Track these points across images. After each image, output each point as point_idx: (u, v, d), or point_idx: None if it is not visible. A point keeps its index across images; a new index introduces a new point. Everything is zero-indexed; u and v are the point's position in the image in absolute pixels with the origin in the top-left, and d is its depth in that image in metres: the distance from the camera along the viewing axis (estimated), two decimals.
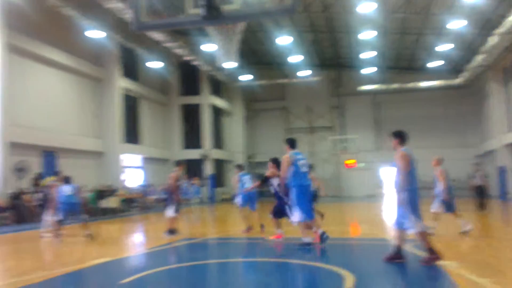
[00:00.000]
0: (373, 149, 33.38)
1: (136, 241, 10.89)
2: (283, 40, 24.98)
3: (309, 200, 7.95)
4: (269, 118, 36.54)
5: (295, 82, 32.66)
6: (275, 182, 8.47)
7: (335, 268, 5.99)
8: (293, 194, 7.67)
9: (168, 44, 22.42)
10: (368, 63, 30.07)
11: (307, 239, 7.70)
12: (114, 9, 17.32)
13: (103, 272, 6.70)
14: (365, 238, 9.87)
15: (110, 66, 22.92)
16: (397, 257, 6.24)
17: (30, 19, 17.34)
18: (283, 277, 6.05)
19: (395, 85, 31.02)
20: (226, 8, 7.23)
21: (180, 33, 24.08)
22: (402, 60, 30.81)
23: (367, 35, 24.21)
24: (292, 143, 8.08)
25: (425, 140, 30.61)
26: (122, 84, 23.73)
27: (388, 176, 34.40)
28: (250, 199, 10.73)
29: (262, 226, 10.21)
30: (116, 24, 20.61)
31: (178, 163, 11.09)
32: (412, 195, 6.11)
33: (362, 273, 5.84)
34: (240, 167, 11.32)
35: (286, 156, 7.82)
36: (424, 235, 6.16)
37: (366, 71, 30.66)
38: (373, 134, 33.85)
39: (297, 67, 31.04)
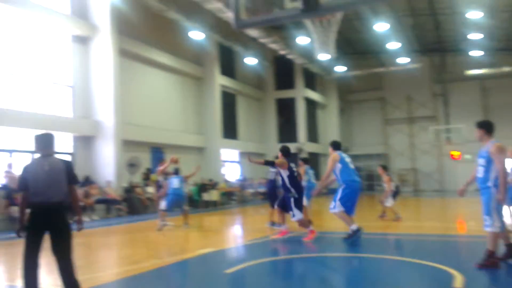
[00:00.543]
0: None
1: (236, 233, 11.24)
2: (380, 27, 23.93)
3: (356, 196, 8.20)
4: (365, 110, 35.46)
5: (394, 71, 31.14)
6: (284, 173, 8.31)
7: (441, 266, 5.65)
8: (342, 189, 8.07)
9: (263, 40, 22.73)
10: (475, 45, 27.64)
11: (353, 227, 7.93)
12: (213, 9, 17.96)
13: (208, 261, 7.02)
14: (472, 235, 9.12)
15: (210, 65, 23.89)
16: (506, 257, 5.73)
17: (137, 24, 18.70)
18: (391, 273, 5.81)
19: (506, 69, 28.13)
20: None
21: (275, 28, 24.23)
22: None
23: (474, 15, 22.26)
24: (336, 146, 8.44)
25: None
26: (220, 81, 24.61)
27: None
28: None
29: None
30: (215, 23, 21.42)
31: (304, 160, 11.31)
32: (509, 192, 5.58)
33: (471, 272, 5.40)
34: (306, 160, 11.23)
35: (335, 154, 8.22)
36: (496, 237, 5.53)
37: (473, 54, 28.25)
38: None
39: (395, 54, 29.56)
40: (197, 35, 21.21)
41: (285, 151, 8.58)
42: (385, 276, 5.77)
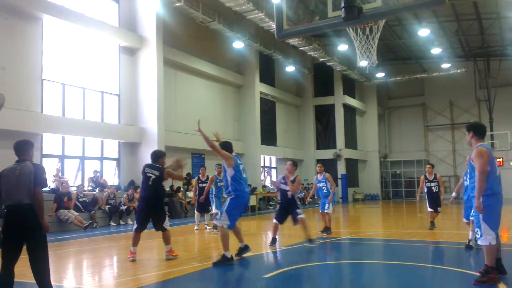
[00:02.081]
0: None
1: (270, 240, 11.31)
2: (422, 32, 23.55)
3: (243, 209, 7.39)
4: (405, 116, 34.82)
5: (436, 76, 30.48)
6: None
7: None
8: (231, 199, 7.06)
9: (303, 48, 22.84)
10: None
11: (227, 254, 6.92)
12: (255, 19, 18.27)
13: (247, 266, 7.15)
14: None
15: (250, 73, 24.21)
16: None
17: (181, 34, 19.29)
18: (433, 281, 5.75)
19: None
20: (367, 6, 7.02)
21: (315, 35, 24.29)
22: None
23: None
24: (227, 147, 7.29)
25: None
26: (260, 89, 24.88)
27: None
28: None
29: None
30: (256, 33, 21.77)
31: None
32: (491, 201, 5.14)
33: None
34: (323, 167, 11.29)
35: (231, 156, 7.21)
36: (491, 250, 5.17)
37: None
38: None
39: (437, 59, 28.99)
40: (238, 44, 21.66)
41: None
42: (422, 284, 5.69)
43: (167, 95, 18.32)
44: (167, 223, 7.61)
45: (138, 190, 16.20)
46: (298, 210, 8.74)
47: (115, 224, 14.64)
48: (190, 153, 20.19)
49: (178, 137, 19.05)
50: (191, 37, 19.97)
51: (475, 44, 27.97)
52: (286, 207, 8.91)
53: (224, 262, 6.84)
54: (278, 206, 9.31)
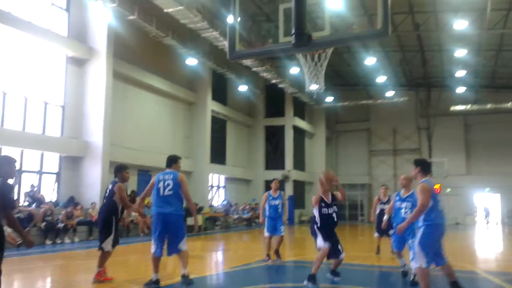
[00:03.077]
0: (464, 174, 31.34)
1: (219, 259, 11.19)
2: (369, 61, 24.66)
3: (165, 232, 6.70)
4: (351, 140, 35.94)
5: (380, 103, 31.84)
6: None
7: None
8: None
9: (256, 68, 23.15)
10: (461, 82, 28.55)
11: (154, 277, 6.83)
12: (209, 37, 18.30)
13: None
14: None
15: (202, 91, 24.14)
16: None
17: (133, 47, 18.96)
18: None
19: (489, 106, 28.95)
20: (316, 34, 7.24)
21: (268, 57, 24.75)
22: (499, 78, 28.78)
23: (460, 53, 23.14)
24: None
25: None
26: (212, 107, 24.83)
27: (481, 202, 32.12)
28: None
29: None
30: (209, 51, 21.80)
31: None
32: (430, 229, 5.50)
33: None
34: (279, 183, 10.33)
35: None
36: (423, 274, 5.48)
37: (458, 90, 29.13)
38: (463, 157, 31.82)
39: (383, 87, 30.36)
40: (191, 61, 21.59)
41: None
42: None
43: (115, 109, 17.85)
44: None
45: (78, 207, 15.55)
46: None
47: (51, 242, 13.88)
48: (136, 170, 19.67)
49: (125, 153, 18.52)
50: (143, 51, 19.69)
51: (418, 75, 29.59)
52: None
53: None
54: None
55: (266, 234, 9.78)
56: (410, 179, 7.33)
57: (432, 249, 5.55)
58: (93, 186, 16.55)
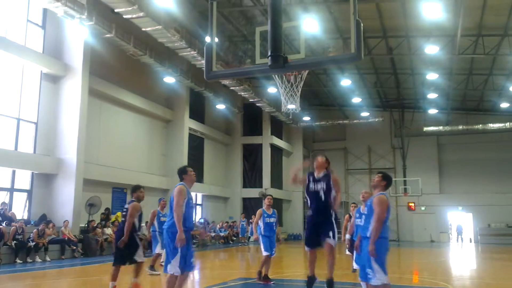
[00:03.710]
0: (437, 193, 32.09)
1: (195, 278, 11.07)
2: (345, 82, 25.22)
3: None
4: (329, 159, 36.28)
5: (356, 123, 32.45)
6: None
7: None
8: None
9: (234, 87, 23.33)
10: (433, 104, 29.43)
11: None
12: (187, 56, 18.41)
13: None
14: (425, 287, 9.40)
15: (180, 109, 24.12)
16: None
17: (110, 65, 18.88)
18: None
19: (460, 127, 29.94)
20: (292, 57, 7.42)
21: (245, 77, 25.01)
22: (469, 101, 29.75)
23: (433, 76, 23.95)
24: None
25: (496, 184, 29.53)
26: (189, 125, 24.81)
27: (454, 220, 32.86)
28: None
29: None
30: (187, 69, 21.88)
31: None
32: (384, 243, 5.61)
33: None
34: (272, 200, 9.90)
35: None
36: None
37: (431, 112, 30.04)
38: (437, 176, 32.60)
39: (358, 108, 31.03)
40: (169, 79, 21.64)
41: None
42: None
43: (90, 126, 17.67)
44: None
45: (51, 225, 15.19)
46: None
47: (21, 261, 13.49)
48: (111, 187, 19.40)
49: (99, 170, 18.28)
50: (120, 69, 19.63)
51: (392, 96, 30.37)
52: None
53: None
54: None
55: (265, 253, 8.97)
56: (371, 194, 6.97)
57: (385, 262, 5.55)
58: (66, 203, 16.24)
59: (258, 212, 9.43)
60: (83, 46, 16.86)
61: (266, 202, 9.49)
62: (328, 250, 6.77)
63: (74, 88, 16.77)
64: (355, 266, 7.72)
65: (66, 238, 15.30)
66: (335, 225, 6.86)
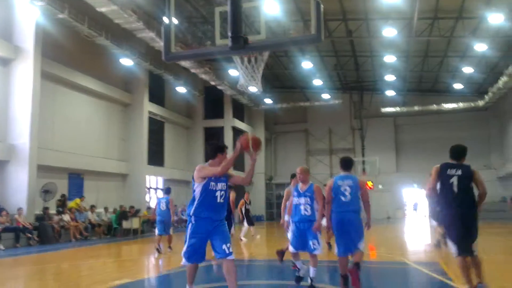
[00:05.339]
0: (394, 171, 33.20)
1: (155, 262, 10.99)
2: (306, 64, 25.34)
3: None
4: (290, 141, 36.74)
5: (317, 105, 32.84)
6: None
7: None
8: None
9: (194, 70, 22.95)
10: (391, 85, 30.13)
11: None
12: (145, 38, 17.89)
13: None
14: (383, 262, 9.75)
15: (138, 92, 23.54)
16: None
17: (64, 47, 18.09)
18: None
19: (416, 108, 30.93)
20: (253, 38, 7.33)
21: (206, 59, 24.63)
22: (425, 82, 30.73)
23: (390, 58, 24.46)
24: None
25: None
26: (149, 108, 24.29)
27: (410, 197, 34.19)
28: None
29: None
30: (146, 51, 21.29)
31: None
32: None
33: None
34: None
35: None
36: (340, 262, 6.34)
37: (388, 93, 30.77)
38: (394, 156, 33.71)
39: (319, 90, 31.34)
40: (127, 61, 20.98)
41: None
42: None
43: (44, 110, 16.96)
44: None
45: (4, 213, 14.58)
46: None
47: None
48: (67, 173, 18.81)
49: (54, 156, 17.67)
50: (75, 51, 18.83)
51: (351, 78, 30.86)
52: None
53: None
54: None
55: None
56: (307, 171, 6.83)
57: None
58: (20, 190, 15.63)
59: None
60: (34, 27, 16.06)
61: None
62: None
63: (25, 71, 16.01)
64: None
65: (21, 225, 14.75)
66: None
